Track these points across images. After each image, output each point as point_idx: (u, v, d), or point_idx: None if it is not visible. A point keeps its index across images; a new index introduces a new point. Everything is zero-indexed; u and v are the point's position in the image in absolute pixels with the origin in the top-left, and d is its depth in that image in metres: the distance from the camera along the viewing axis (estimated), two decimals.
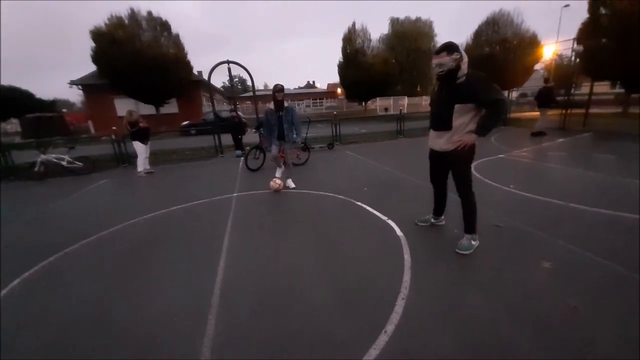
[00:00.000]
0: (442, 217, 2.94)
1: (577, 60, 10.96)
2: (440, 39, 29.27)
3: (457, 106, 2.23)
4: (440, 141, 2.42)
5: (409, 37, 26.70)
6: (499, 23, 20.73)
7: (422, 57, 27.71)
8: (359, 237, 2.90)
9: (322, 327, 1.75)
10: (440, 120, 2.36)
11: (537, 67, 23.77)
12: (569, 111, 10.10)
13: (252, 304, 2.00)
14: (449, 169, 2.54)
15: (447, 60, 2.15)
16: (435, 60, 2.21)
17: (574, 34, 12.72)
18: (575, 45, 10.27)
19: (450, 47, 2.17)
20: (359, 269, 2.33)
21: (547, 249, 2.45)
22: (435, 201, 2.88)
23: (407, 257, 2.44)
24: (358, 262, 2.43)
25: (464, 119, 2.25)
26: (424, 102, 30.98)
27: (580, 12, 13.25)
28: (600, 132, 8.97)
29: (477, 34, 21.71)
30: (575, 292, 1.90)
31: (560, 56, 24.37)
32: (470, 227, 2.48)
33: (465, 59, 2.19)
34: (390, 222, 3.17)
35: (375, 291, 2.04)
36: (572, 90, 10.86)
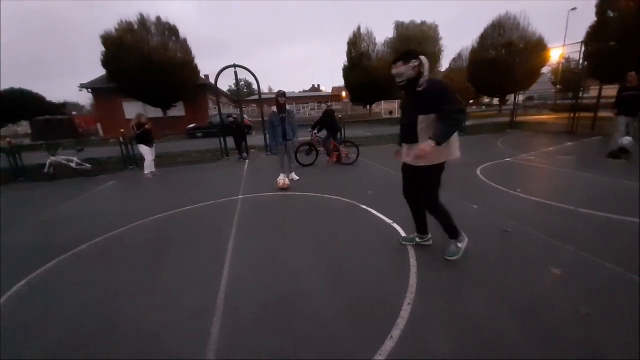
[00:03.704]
0: (429, 235, 2.68)
1: (586, 63, 10.85)
2: (446, 43, 29.18)
3: (420, 117, 2.11)
4: (410, 154, 2.27)
5: (414, 41, 26.67)
6: (505, 26, 20.64)
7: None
8: (364, 240, 2.88)
9: (327, 331, 1.74)
10: (406, 133, 2.24)
11: (545, 70, 23.59)
12: (577, 115, 9.98)
13: (257, 307, 2.00)
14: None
15: (403, 69, 2.04)
16: (393, 71, 2.10)
17: (581, 37, 12.63)
18: (583, 48, 10.17)
19: (406, 56, 2.06)
20: (365, 273, 2.32)
21: (556, 255, 2.40)
22: (414, 218, 2.62)
23: (412, 261, 2.42)
24: (363, 266, 2.42)
25: (428, 132, 2.10)
26: None
27: (587, 15, 13.17)
28: (609, 136, 8.82)
29: (483, 38, 21.64)
30: (586, 299, 1.86)
31: (567, 59, 24.18)
32: (451, 233, 2.41)
33: (426, 65, 2.06)
34: (395, 225, 3.15)
35: (381, 296, 2.03)
36: (581, 94, 10.74)
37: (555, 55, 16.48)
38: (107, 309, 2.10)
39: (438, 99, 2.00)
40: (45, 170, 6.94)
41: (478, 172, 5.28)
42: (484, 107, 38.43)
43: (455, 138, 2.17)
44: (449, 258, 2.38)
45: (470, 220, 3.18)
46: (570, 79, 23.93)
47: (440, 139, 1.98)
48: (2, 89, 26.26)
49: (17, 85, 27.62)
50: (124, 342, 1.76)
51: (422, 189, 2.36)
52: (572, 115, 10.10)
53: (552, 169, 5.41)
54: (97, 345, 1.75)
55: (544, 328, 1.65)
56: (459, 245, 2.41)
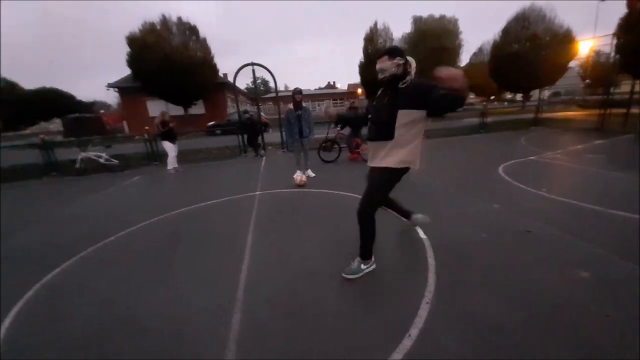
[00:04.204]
0: (416, 214, 2.80)
1: (617, 56, 10.24)
2: (466, 37, 28.22)
3: (400, 113, 1.96)
4: (378, 155, 2.12)
5: (433, 35, 26.02)
6: (529, 19, 19.77)
7: (446, 55, 27.10)
8: (381, 238, 2.83)
9: (345, 328, 1.75)
10: (381, 130, 2.07)
11: (572, 64, 22.42)
12: (608, 111, 9.46)
13: (275, 301, 2.04)
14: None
15: (388, 64, 1.95)
16: (377, 66, 2.02)
17: (612, 28, 11.93)
18: (614, 40, 9.61)
19: (391, 51, 1.98)
20: (382, 271, 2.32)
21: (584, 257, 2.32)
22: (393, 210, 2.76)
23: (431, 260, 2.40)
24: (381, 263, 2.40)
25: (406, 129, 1.98)
26: None
27: (618, 6, 12.40)
28: None
29: (506, 31, 20.83)
30: (614, 304, 1.79)
31: (597, 53, 22.88)
32: (364, 252, 2.25)
33: (413, 64, 1.99)
34: None
35: (398, 294, 2.02)
36: (612, 89, 10.16)
37: (584, 48, 15.61)
38: (129, 301, 2.16)
39: (427, 93, 1.86)
40: (77, 165, 7.37)
41: (500, 170, 5.14)
42: (505, 103, 37.01)
43: (418, 149, 2.07)
44: (345, 275, 2.23)
45: (491, 220, 3.13)
46: (600, 73, 22.67)
47: (454, 90, 1.65)
48: (33, 87, 28.02)
49: (49, 84, 29.34)
50: (145, 335, 1.81)
51: (366, 191, 2.15)
52: (602, 111, 9.58)
53: (580, 167, 5.19)
54: (117, 338, 1.81)
55: (568, 332, 1.61)
56: (363, 266, 2.25)
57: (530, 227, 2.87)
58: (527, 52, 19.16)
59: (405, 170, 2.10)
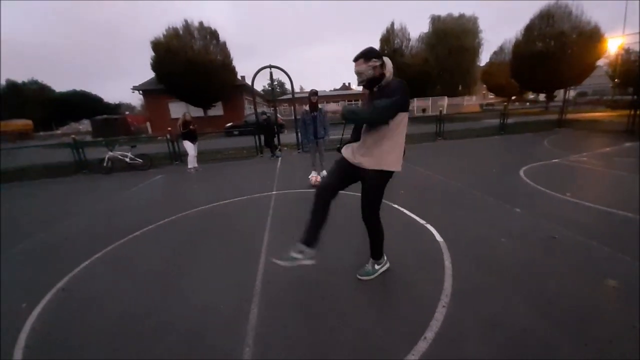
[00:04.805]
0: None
1: None
2: (487, 35, 27.45)
3: None
4: (356, 153, 2.06)
5: (451, 34, 25.50)
6: (554, 16, 18.99)
7: (465, 55, 26.41)
8: (396, 240, 2.85)
9: (360, 328, 1.77)
10: (355, 130, 2.10)
11: (600, 62, 21.33)
12: (638, 112, 8.95)
13: (291, 299, 2.09)
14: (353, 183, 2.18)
15: (364, 68, 1.91)
16: (354, 69, 1.98)
17: None
18: None
19: (367, 54, 1.92)
20: (398, 273, 2.31)
21: (611, 265, 2.23)
22: (321, 216, 2.35)
23: (447, 263, 2.38)
24: (396, 266, 2.40)
25: (372, 131, 1.94)
26: (466, 102, 29.34)
27: None
28: None
29: (529, 29, 20.11)
30: None
31: (627, 51, 21.68)
32: (375, 252, 2.28)
33: (389, 65, 1.95)
34: (429, 226, 3.11)
35: (414, 297, 2.02)
36: None
37: (613, 46, 14.81)
38: (150, 296, 2.26)
39: (389, 94, 1.88)
40: (105, 164, 7.79)
41: (521, 173, 5.00)
42: (528, 104, 35.64)
43: (400, 152, 2.02)
44: (360, 277, 2.26)
45: (511, 224, 3.07)
46: (630, 72, 21.45)
47: (346, 112, 1.94)
48: (64, 90, 29.83)
49: (78, 87, 31.14)
50: (165, 329, 1.88)
51: (366, 196, 2.11)
52: (632, 112, 9.08)
53: (607, 171, 4.96)
54: (137, 332, 1.88)
55: (589, 341, 1.57)
56: (377, 267, 2.30)
57: (553, 232, 2.79)
58: (552, 51, 18.41)
59: (392, 172, 2.05)
